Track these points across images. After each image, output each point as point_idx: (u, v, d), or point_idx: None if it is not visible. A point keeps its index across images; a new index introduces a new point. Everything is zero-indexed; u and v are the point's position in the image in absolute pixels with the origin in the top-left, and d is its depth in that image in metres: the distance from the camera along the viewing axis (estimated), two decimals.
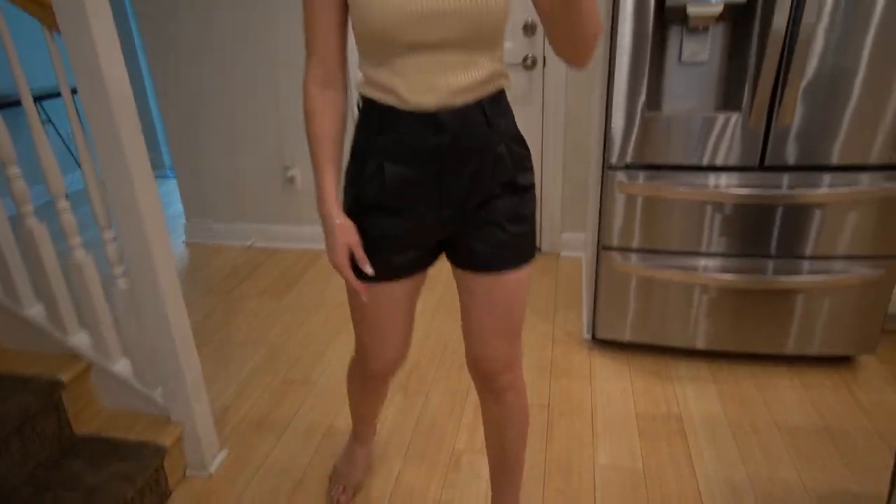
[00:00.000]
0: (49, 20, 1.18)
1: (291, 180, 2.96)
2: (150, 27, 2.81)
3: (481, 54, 0.95)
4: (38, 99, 3.58)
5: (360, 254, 1.03)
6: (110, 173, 1.30)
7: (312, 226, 3.04)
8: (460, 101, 0.95)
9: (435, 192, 1.00)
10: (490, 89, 0.98)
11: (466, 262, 1.09)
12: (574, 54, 0.90)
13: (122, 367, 1.57)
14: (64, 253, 1.48)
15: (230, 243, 3.18)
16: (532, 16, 2.43)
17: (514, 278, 1.08)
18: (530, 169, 1.07)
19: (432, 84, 0.94)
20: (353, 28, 0.96)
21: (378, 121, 0.98)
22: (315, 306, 2.49)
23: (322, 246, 3.04)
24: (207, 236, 3.21)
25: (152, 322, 1.45)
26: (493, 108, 0.99)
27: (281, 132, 2.88)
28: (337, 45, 1.00)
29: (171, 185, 4.06)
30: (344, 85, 1.05)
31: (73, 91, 1.26)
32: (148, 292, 1.42)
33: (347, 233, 1.01)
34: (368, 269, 1.03)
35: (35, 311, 1.56)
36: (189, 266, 2.96)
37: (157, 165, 4.63)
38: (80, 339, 1.57)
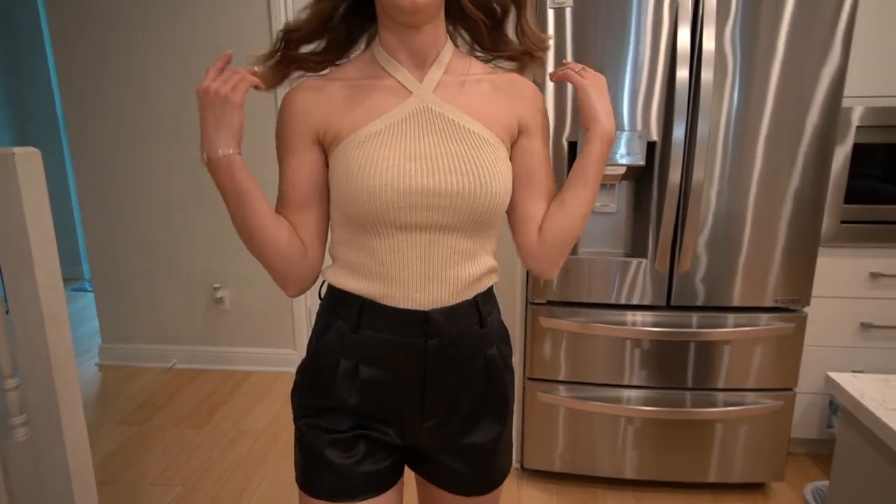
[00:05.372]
0: None
1: (220, 301, 2.90)
2: (77, 131, 2.81)
3: (481, 245, 0.84)
4: None
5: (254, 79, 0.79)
6: (22, 318, 1.24)
7: (242, 347, 2.95)
8: (455, 298, 0.83)
9: (417, 401, 0.86)
10: (486, 283, 0.88)
11: (441, 479, 0.95)
12: (562, 250, 0.90)
13: None
14: None
15: (149, 365, 3.01)
16: None
17: (490, 497, 0.98)
18: (512, 370, 0.96)
19: (426, 276, 0.81)
20: (333, 200, 0.84)
21: (356, 316, 0.83)
22: (235, 437, 2.36)
23: (250, 367, 2.94)
24: (124, 358, 3.03)
25: (51, 477, 1.33)
26: (487, 304, 0.89)
27: (211, 250, 2.86)
28: (318, 215, 0.84)
29: (89, 300, 3.87)
30: (314, 261, 0.87)
31: None
32: (51, 443, 1.32)
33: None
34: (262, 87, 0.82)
35: None
36: (100, 392, 2.77)
37: (76, 277, 4.44)
38: None
